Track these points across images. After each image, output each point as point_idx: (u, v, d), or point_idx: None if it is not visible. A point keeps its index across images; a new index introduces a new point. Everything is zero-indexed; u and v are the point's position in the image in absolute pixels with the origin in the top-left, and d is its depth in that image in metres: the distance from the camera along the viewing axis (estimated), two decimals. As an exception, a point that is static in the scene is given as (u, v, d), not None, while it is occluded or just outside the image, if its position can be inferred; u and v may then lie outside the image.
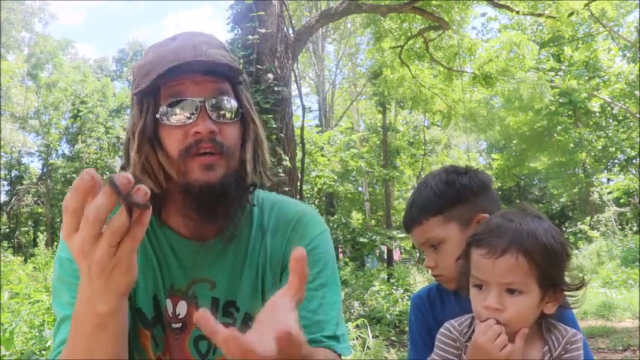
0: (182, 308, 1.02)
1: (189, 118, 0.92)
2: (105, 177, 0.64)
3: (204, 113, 0.93)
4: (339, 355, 0.99)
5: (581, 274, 1.01)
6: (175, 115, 0.93)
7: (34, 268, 11.41)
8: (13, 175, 25.92)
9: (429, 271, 1.20)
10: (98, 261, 0.66)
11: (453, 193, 1.16)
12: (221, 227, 0.99)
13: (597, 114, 19.14)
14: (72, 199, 0.64)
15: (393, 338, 6.32)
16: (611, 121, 19.68)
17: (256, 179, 1.03)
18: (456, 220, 1.14)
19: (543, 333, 1.02)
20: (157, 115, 0.94)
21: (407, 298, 7.68)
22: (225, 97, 0.96)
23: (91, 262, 0.67)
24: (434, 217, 1.15)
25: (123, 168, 1.01)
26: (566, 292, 1.00)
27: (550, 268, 0.95)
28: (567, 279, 0.99)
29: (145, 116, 0.95)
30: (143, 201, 0.65)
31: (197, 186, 0.92)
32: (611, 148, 19.26)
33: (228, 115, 0.96)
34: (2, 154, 23.38)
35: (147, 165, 0.95)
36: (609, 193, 20.77)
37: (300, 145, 7.27)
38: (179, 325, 1.02)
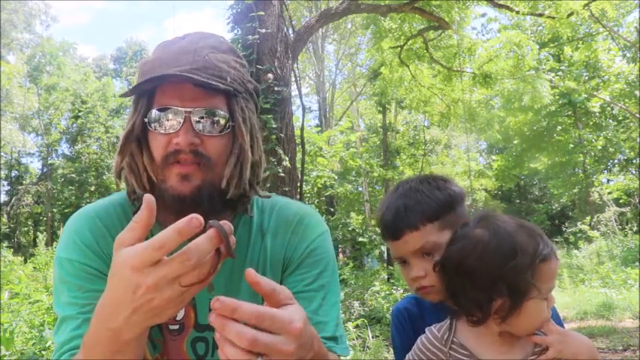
0: (180, 310, 1.01)
1: (174, 127, 0.93)
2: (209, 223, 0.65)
3: (188, 125, 0.92)
4: (338, 357, 0.99)
5: None
6: (162, 122, 0.94)
7: (34, 268, 11.40)
8: (13, 175, 25.93)
9: (413, 284, 1.14)
10: (167, 298, 0.66)
11: (446, 199, 1.15)
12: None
13: (597, 114, 19.12)
14: (171, 241, 0.63)
15: (393, 338, 6.31)
16: (610, 121, 19.67)
17: (250, 192, 1.03)
18: (448, 227, 1.12)
19: None
20: (146, 119, 0.95)
21: (407, 298, 7.66)
22: (216, 110, 0.95)
23: (159, 299, 0.66)
24: (431, 223, 1.12)
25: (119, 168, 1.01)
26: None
27: None
28: None
29: (136, 117, 0.96)
30: (233, 252, 0.67)
31: (171, 194, 0.93)
32: (610, 149, 19.24)
33: (214, 128, 0.94)
34: (2, 154, 23.38)
35: (133, 165, 0.97)
36: (609, 193, 20.76)
37: (300, 145, 7.27)
38: (177, 326, 1.02)
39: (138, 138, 0.96)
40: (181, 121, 0.92)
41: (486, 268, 0.95)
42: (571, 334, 1.01)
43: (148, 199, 0.66)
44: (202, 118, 0.94)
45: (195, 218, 0.63)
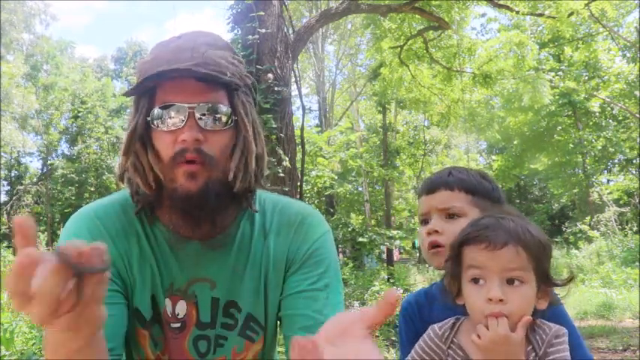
0: (181, 308, 1.02)
1: (178, 124, 0.92)
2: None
3: (192, 120, 0.92)
4: None
5: (569, 269, 1.05)
6: (165, 119, 0.93)
7: (34, 268, 11.38)
8: (13, 175, 25.92)
9: (428, 238, 1.16)
10: (66, 325, 0.61)
11: (488, 188, 1.21)
12: (209, 234, 1.00)
13: (597, 114, 19.12)
14: (15, 284, 0.54)
15: (393, 338, 6.31)
16: (610, 121, 19.67)
17: (255, 185, 1.02)
18: (479, 209, 1.16)
19: (528, 333, 1.01)
20: (149, 118, 0.95)
21: (407, 298, 7.65)
22: (218, 105, 0.95)
23: (55, 327, 0.61)
24: (465, 193, 1.17)
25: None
26: (555, 287, 1.02)
27: (543, 262, 0.99)
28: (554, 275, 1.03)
29: (139, 117, 0.95)
30: (102, 263, 0.57)
31: (180, 192, 0.93)
32: (610, 149, 19.25)
33: (217, 123, 0.94)
34: (2, 154, 23.37)
35: (138, 164, 0.96)
36: (609, 193, 20.76)
37: (300, 145, 7.28)
38: (178, 324, 1.02)
39: (142, 137, 0.96)
40: (185, 117, 0.92)
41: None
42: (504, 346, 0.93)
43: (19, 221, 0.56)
44: (205, 113, 0.93)
45: (24, 252, 0.54)
